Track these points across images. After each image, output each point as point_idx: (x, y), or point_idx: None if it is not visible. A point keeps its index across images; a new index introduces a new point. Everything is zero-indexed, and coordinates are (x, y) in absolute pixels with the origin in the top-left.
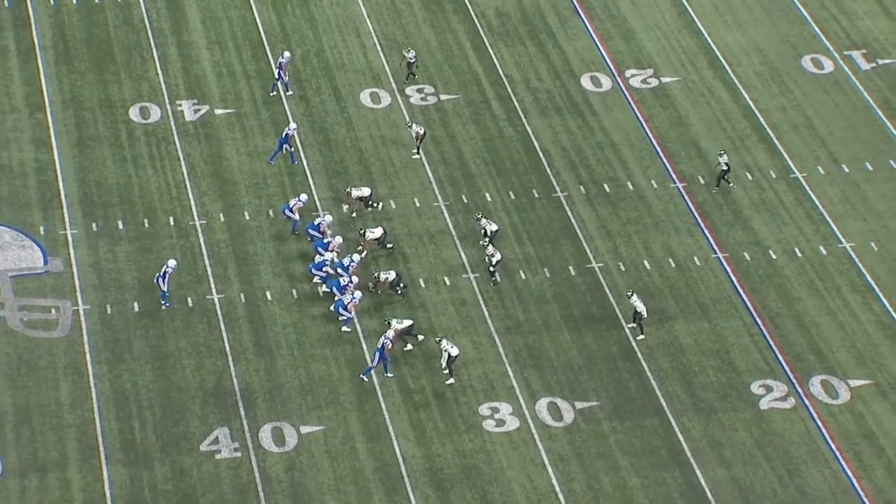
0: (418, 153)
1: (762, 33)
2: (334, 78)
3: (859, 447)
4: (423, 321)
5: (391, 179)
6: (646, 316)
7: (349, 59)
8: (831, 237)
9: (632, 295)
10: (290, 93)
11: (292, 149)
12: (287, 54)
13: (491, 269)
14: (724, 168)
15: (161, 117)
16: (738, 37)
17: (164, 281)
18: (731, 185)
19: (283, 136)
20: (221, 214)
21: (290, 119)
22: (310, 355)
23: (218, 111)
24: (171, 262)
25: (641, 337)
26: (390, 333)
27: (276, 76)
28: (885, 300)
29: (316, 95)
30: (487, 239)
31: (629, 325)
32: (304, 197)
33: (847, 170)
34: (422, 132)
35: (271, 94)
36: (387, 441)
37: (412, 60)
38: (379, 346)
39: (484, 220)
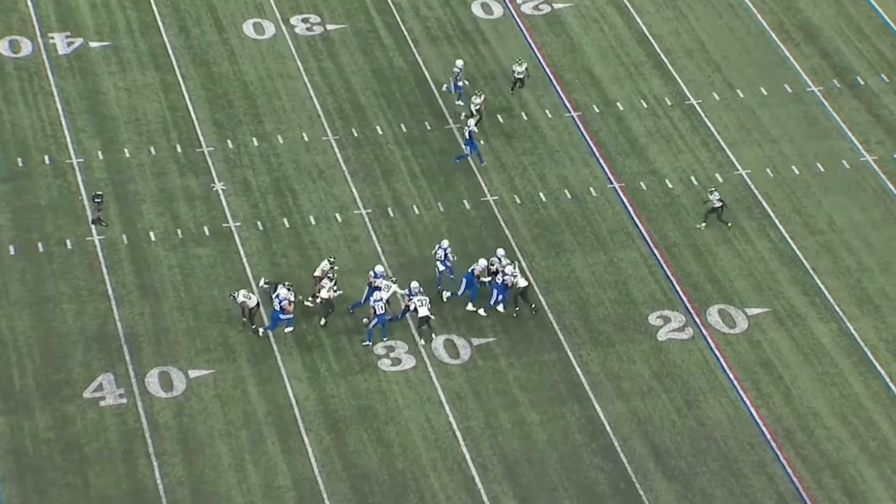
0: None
1: None
2: (215, 8)
3: (757, 376)
4: (314, 259)
5: (278, 114)
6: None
7: None
8: (727, 164)
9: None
10: (459, 103)
11: (467, 151)
12: (460, 63)
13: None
14: (717, 206)
15: (33, 51)
16: None
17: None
18: (728, 223)
19: (468, 135)
20: (100, 152)
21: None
22: (197, 297)
23: (93, 44)
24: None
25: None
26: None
27: (455, 86)
28: (781, 226)
29: (196, 26)
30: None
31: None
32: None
33: (742, 95)
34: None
35: (457, 103)
36: (279, 383)
37: (521, 76)
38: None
39: (515, 276)
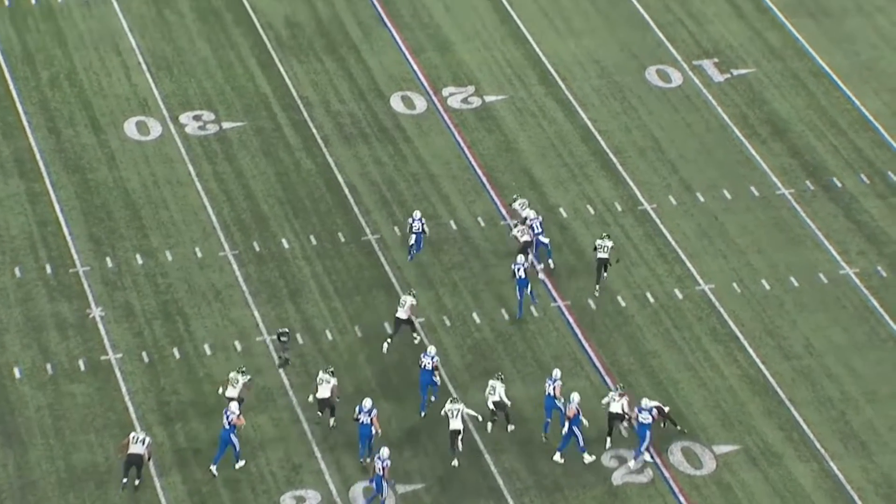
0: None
1: (599, 42)
2: (91, 105)
3: None
4: (209, 396)
5: (166, 226)
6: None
7: (108, 82)
8: (687, 278)
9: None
10: (551, 263)
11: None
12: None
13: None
14: (603, 257)
15: None
16: (572, 46)
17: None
18: (597, 287)
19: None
20: None
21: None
22: (70, 443)
23: None
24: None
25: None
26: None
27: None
28: (751, 350)
29: (69, 127)
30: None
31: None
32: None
33: (702, 199)
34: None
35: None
36: None
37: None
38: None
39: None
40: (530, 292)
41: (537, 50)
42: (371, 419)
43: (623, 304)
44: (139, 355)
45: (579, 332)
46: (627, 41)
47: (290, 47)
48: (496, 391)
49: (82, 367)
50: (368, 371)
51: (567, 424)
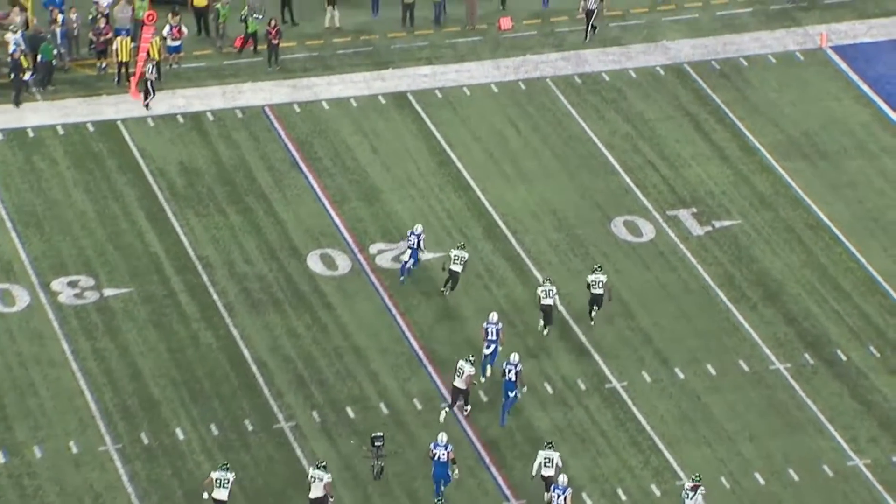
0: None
1: (556, 189)
2: None
3: None
4: None
5: (34, 416)
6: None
7: None
8: (666, 471)
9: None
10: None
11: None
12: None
13: None
14: (598, 293)
15: None
16: (523, 194)
17: None
18: (591, 317)
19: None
20: None
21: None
22: None
23: None
24: None
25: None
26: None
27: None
28: None
29: None
30: None
31: None
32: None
33: (682, 375)
34: None
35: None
36: None
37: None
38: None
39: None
40: (512, 401)
41: (482, 198)
42: None
43: (589, 502)
44: None
45: None
46: (589, 188)
47: (186, 198)
48: (553, 462)
49: None
50: None
51: None
